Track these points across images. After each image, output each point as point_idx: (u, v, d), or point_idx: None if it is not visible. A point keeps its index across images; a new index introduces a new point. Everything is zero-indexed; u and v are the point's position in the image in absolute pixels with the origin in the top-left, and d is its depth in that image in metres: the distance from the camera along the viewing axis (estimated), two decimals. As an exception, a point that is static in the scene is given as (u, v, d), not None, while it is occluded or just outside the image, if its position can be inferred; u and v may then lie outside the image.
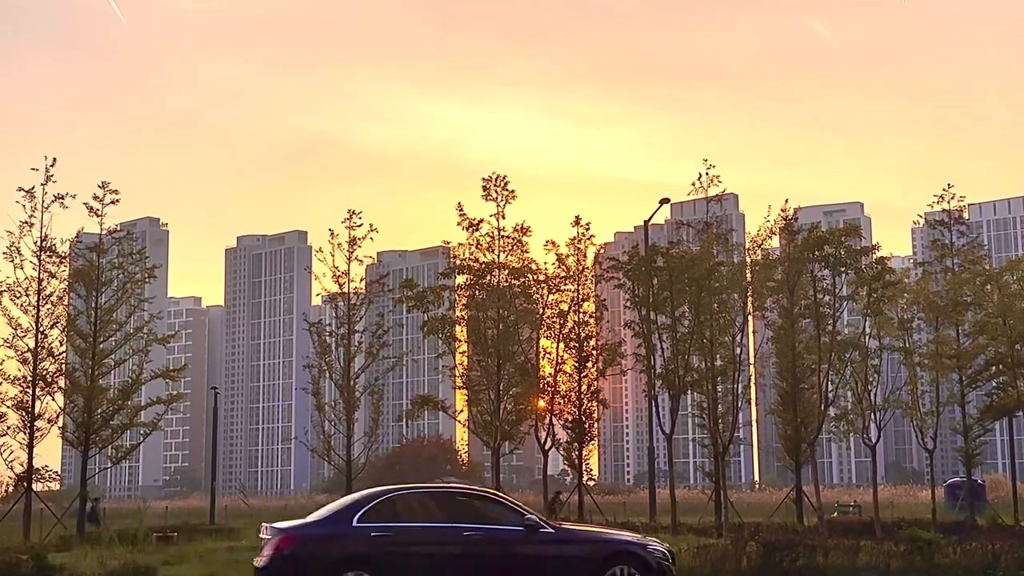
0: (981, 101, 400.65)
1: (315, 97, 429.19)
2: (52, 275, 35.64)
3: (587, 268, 39.23)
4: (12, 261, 35.11)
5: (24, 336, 35.12)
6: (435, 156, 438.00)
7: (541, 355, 38.82)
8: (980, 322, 40.62)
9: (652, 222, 42.89)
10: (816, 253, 35.51)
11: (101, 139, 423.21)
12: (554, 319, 38.49)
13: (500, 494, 17.64)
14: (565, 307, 38.59)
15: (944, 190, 41.77)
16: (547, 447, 38.87)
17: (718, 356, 36.32)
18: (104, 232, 37.28)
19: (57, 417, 35.88)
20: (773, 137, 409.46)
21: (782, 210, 37.37)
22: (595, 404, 39.43)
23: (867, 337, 37.49)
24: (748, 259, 38.01)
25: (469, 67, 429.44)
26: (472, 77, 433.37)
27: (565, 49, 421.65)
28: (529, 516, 15.54)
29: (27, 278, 35.25)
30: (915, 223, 65.35)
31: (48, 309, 35.40)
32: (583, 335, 38.76)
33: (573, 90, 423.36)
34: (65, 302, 36.16)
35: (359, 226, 39.88)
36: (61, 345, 35.96)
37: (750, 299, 37.22)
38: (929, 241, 44.82)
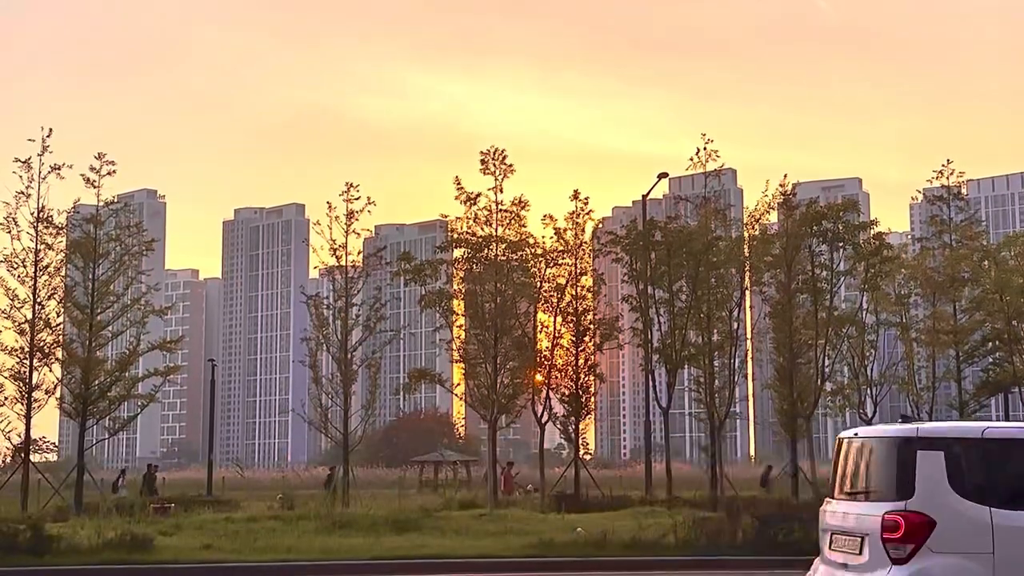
0: (980, 77, 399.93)
1: (311, 69, 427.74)
2: (49, 246, 35.60)
3: (585, 242, 39.22)
4: (9, 232, 35.07)
5: (21, 307, 35.11)
6: (432, 129, 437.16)
7: (538, 329, 38.85)
8: (977, 298, 40.66)
9: (650, 197, 42.85)
10: (814, 228, 35.54)
11: (98, 110, 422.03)
12: (552, 293, 38.50)
13: None
14: (563, 281, 38.60)
15: (943, 166, 41.77)
16: (544, 421, 38.96)
17: (715, 331, 36.40)
18: (101, 204, 37.21)
19: (54, 388, 35.92)
20: (771, 112, 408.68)
21: (780, 185, 37.38)
22: (592, 378, 39.50)
23: (864, 312, 37.58)
24: (746, 234, 38.03)
25: (465, 40, 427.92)
26: (468, 50, 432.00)
27: (560, 22, 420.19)
28: None
29: (24, 249, 35.20)
30: (913, 199, 65.72)
31: (45, 280, 35.39)
32: (580, 309, 38.78)
33: (569, 63, 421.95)
34: (62, 273, 36.14)
35: (357, 199, 39.86)
36: (58, 316, 35.99)
37: (747, 274, 37.27)
38: (927, 217, 44.83)
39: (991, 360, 41.95)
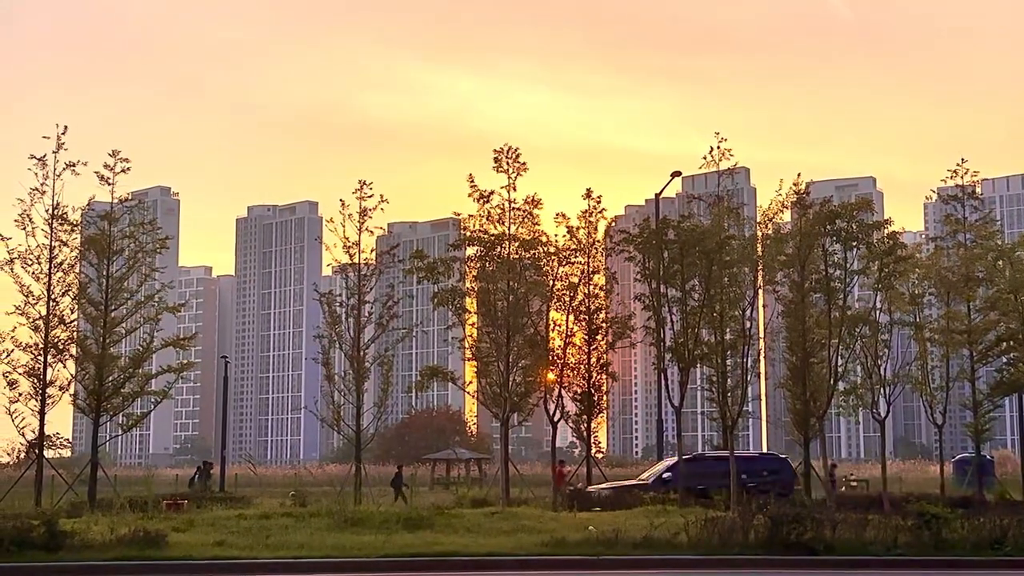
0: (995, 76, 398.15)
1: (322, 66, 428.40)
2: (64, 243, 35.77)
3: (598, 241, 39.15)
4: (24, 229, 35.26)
5: (36, 304, 35.29)
6: (443, 127, 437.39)
7: (551, 327, 38.79)
8: (992, 298, 40.44)
9: (663, 195, 42.86)
10: (828, 227, 35.37)
11: (112, 107, 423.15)
12: (564, 291, 38.44)
13: None
14: (575, 279, 38.54)
15: (958, 165, 41.50)
16: (556, 419, 38.93)
17: (728, 330, 36.25)
18: (115, 201, 37.34)
19: (68, 384, 36.08)
20: (785, 110, 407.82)
21: (794, 184, 37.20)
22: (604, 377, 39.45)
23: (878, 312, 37.38)
24: (759, 233, 37.89)
25: (475, 37, 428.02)
26: (478, 47, 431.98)
27: (571, 19, 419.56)
28: None
29: (39, 246, 35.41)
30: (927, 198, 65.37)
31: (60, 277, 35.56)
32: (593, 308, 38.73)
33: (580, 61, 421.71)
34: (76, 270, 36.29)
35: (370, 196, 39.94)
36: (72, 313, 36.13)
37: (761, 273, 37.12)
38: (941, 216, 44.60)
39: (1005, 360, 41.71)
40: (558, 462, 43.52)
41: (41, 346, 35.11)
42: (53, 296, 35.36)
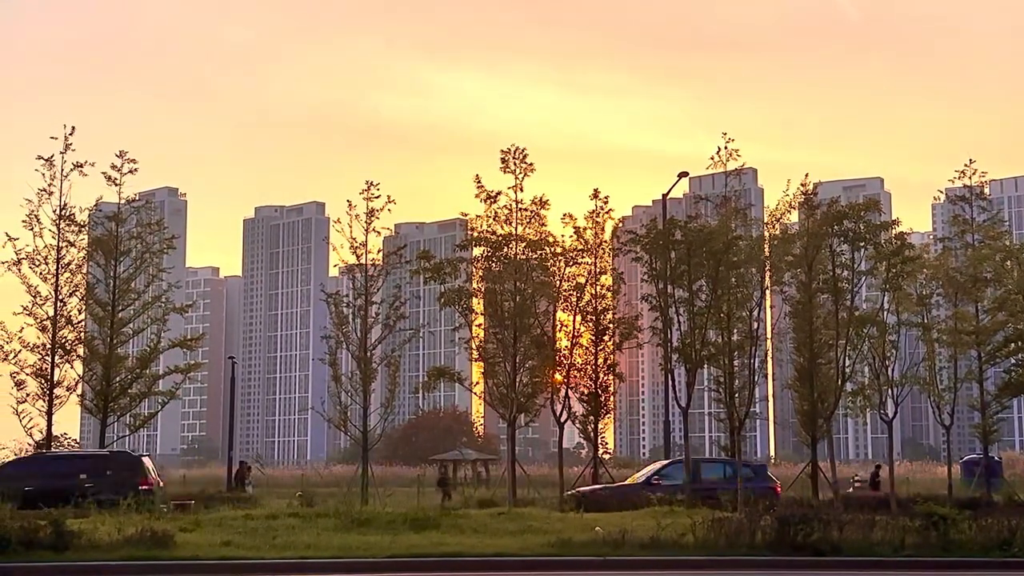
0: (1003, 76, 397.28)
1: (330, 67, 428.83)
2: (71, 244, 35.87)
3: (605, 241, 39.13)
4: (31, 229, 35.37)
5: (43, 304, 35.39)
6: (451, 127, 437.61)
7: (558, 328, 38.79)
8: (1000, 298, 40.35)
9: (671, 196, 42.81)
10: (835, 228, 35.31)
11: (119, 108, 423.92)
12: (571, 292, 38.44)
13: None
14: (582, 280, 38.53)
15: (965, 165, 41.47)
16: (563, 420, 38.91)
17: (735, 330, 36.21)
18: (122, 201, 37.41)
19: (76, 385, 36.14)
20: (792, 111, 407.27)
21: (801, 184, 37.16)
22: (611, 377, 39.42)
23: (885, 312, 37.33)
24: (766, 233, 37.85)
25: (483, 38, 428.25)
26: (486, 48, 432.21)
27: (579, 20, 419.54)
28: None
29: (46, 246, 35.50)
30: (935, 199, 65.18)
31: (67, 277, 35.65)
32: (600, 308, 38.71)
33: (588, 61, 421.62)
34: (84, 271, 36.40)
35: (377, 197, 39.98)
36: (80, 313, 36.21)
37: (768, 273, 37.09)
38: (949, 216, 44.53)
39: (1013, 361, 41.63)
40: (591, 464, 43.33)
41: (48, 346, 35.20)
42: (60, 297, 35.44)
